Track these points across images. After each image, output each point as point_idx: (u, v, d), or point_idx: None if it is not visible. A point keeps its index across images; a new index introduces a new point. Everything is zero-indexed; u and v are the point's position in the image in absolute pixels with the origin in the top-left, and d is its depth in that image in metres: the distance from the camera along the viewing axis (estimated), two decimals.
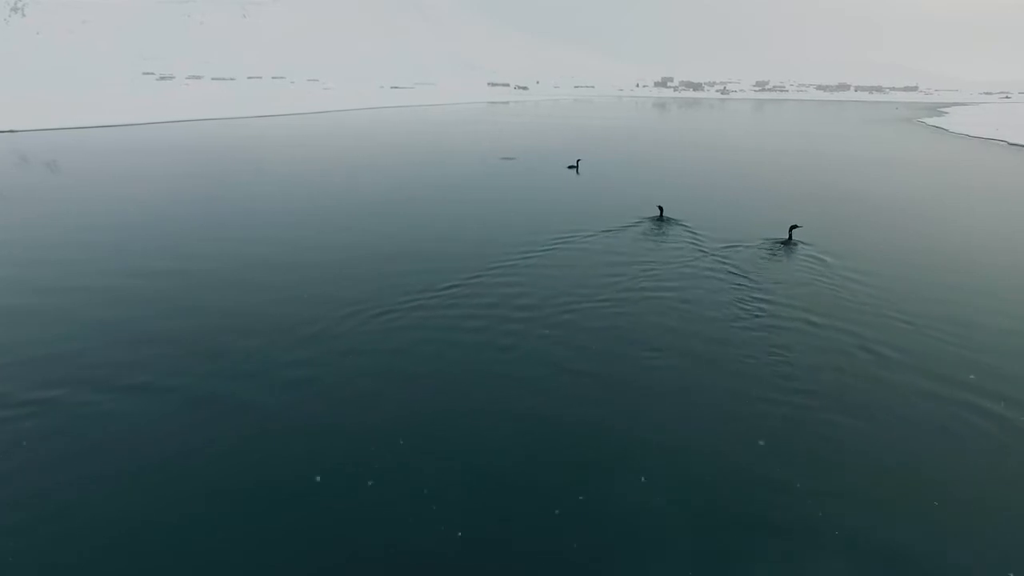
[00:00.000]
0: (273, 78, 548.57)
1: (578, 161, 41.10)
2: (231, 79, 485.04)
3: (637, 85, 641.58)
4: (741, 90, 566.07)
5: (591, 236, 22.25)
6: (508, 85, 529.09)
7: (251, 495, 8.30)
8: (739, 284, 17.06)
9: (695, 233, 22.91)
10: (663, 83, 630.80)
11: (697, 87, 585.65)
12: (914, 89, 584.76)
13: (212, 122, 77.57)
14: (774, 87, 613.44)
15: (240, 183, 33.93)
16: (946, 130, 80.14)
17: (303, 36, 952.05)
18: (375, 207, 27.39)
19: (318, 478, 8.60)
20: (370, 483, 8.51)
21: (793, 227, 22.07)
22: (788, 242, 21.67)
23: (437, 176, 36.89)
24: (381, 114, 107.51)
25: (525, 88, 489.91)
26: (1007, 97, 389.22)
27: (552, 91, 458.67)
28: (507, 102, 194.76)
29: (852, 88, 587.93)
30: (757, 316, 14.72)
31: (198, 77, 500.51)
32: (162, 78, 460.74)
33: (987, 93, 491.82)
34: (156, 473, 8.72)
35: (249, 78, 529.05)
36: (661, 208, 25.70)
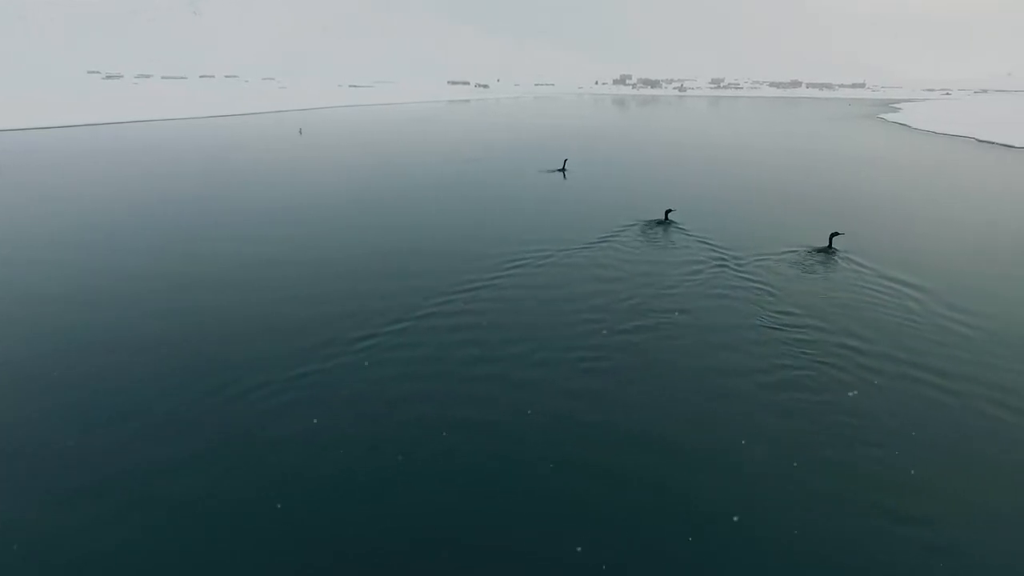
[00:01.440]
0: (226, 77, 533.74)
1: (565, 162, 38.38)
2: (182, 78, 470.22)
3: (596, 82, 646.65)
4: (697, 87, 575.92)
5: (588, 245, 20.41)
6: (468, 83, 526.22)
7: (246, 497, 8.23)
8: (779, 309, 14.30)
9: (706, 241, 20.57)
10: (622, 80, 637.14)
11: (655, 84, 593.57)
12: (861, 86, 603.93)
13: (161, 123, 74.78)
14: (729, 84, 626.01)
15: (181, 189, 32.40)
16: (910, 127, 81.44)
17: (257, 34, 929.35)
18: (335, 214, 25.83)
19: (309, 481, 8.58)
20: (358, 489, 8.49)
21: (834, 234, 19.46)
22: (828, 250, 19.17)
23: (405, 179, 35.73)
24: (340, 113, 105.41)
25: (486, 86, 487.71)
26: (947, 94, 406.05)
27: (513, 89, 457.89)
28: (468, 100, 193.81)
29: (804, 85, 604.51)
30: (818, 359, 11.81)
31: (147, 76, 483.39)
32: (108, 77, 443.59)
33: (929, 90, 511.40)
34: (146, 475, 8.66)
35: (201, 77, 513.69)
36: (668, 212, 23.45)
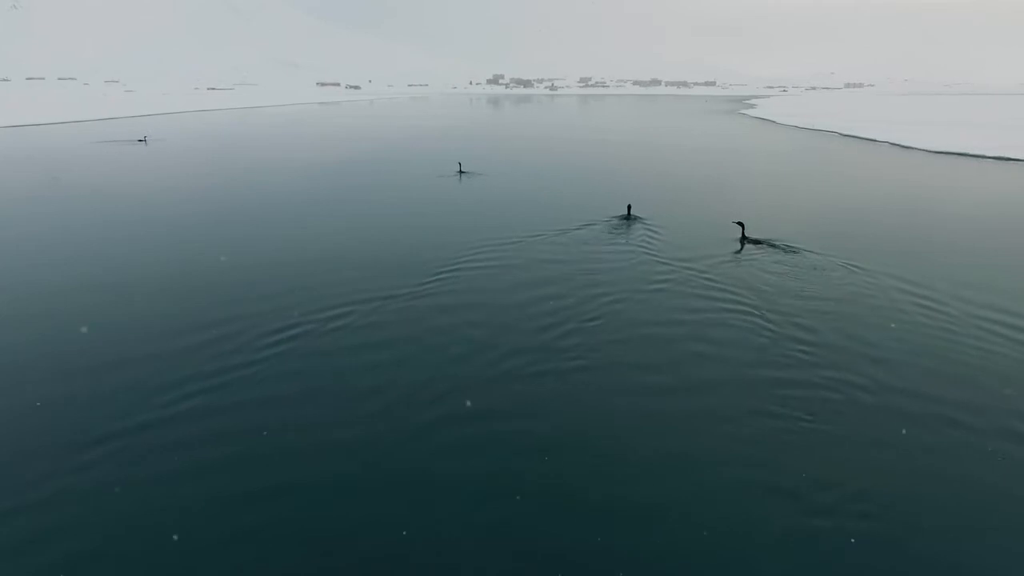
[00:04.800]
0: (60, 79, 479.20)
1: (460, 165, 36.12)
2: (4, 80, 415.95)
3: (471, 83, 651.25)
4: (567, 86, 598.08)
5: (547, 240, 19.75)
6: (339, 85, 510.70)
7: (235, 498, 8.04)
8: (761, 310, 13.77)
9: (661, 237, 20.26)
10: (495, 80, 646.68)
11: (527, 84, 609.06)
12: (712, 84, 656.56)
13: None
14: (596, 83, 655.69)
15: None
16: (774, 122, 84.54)
17: (95, 31, 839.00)
18: (214, 230, 22.78)
19: (289, 481, 8.34)
20: (333, 488, 8.24)
21: (739, 223, 19.81)
22: (743, 241, 19.58)
23: (287, 189, 32.29)
24: (197, 119, 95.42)
25: (357, 87, 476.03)
26: (784, 91, 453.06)
27: (386, 90, 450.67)
28: (339, 102, 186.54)
29: (663, 83, 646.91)
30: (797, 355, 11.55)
31: None
32: None
33: (769, 87, 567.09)
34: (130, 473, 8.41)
35: (28, 79, 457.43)
36: (629, 207, 23.23)
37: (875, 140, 54.96)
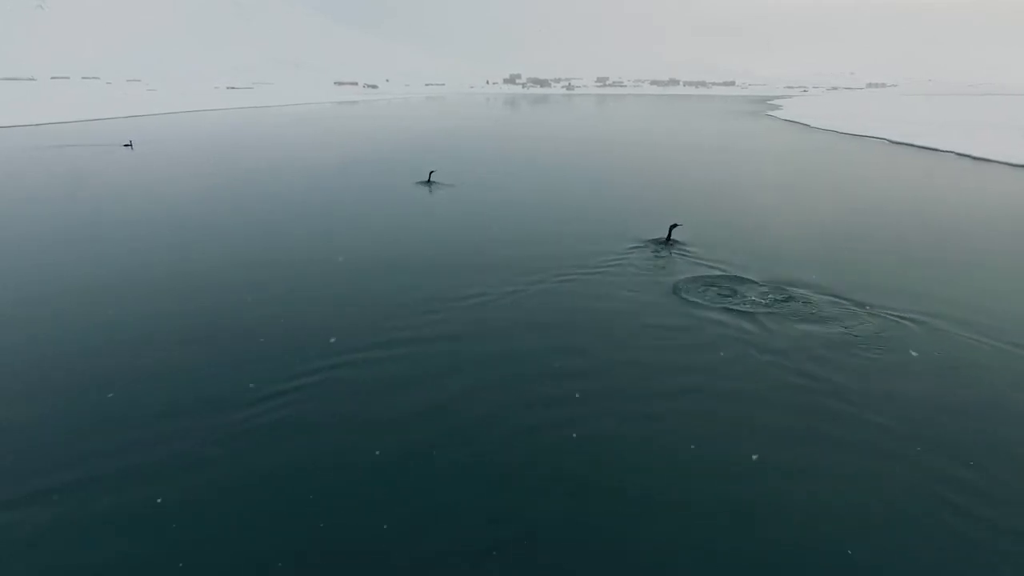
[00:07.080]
0: (84, 78, 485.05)
1: (431, 174, 32.41)
2: (30, 79, 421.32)
3: (487, 82, 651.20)
4: (584, 86, 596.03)
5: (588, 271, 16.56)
6: (357, 84, 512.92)
7: (243, 507, 7.97)
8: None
9: (717, 267, 16.59)
10: (512, 80, 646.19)
11: (544, 83, 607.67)
12: (732, 84, 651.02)
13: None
14: (613, 83, 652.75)
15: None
16: (808, 125, 78.56)
17: (120, 31, 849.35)
18: (224, 238, 21.39)
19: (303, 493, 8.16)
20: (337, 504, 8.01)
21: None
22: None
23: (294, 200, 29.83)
24: (211, 117, 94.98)
25: (375, 87, 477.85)
26: (805, 91, 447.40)
27: (403, 89, 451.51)
28: (356, 102, 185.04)
29: (681, 83, 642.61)
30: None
31: None
32: None
33: (789, 87, 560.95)
34: (136, 478, 8.40)
35: (53, 78, 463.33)
36: (672, 228, 19.05)
37: (936, 149, 47.41)
